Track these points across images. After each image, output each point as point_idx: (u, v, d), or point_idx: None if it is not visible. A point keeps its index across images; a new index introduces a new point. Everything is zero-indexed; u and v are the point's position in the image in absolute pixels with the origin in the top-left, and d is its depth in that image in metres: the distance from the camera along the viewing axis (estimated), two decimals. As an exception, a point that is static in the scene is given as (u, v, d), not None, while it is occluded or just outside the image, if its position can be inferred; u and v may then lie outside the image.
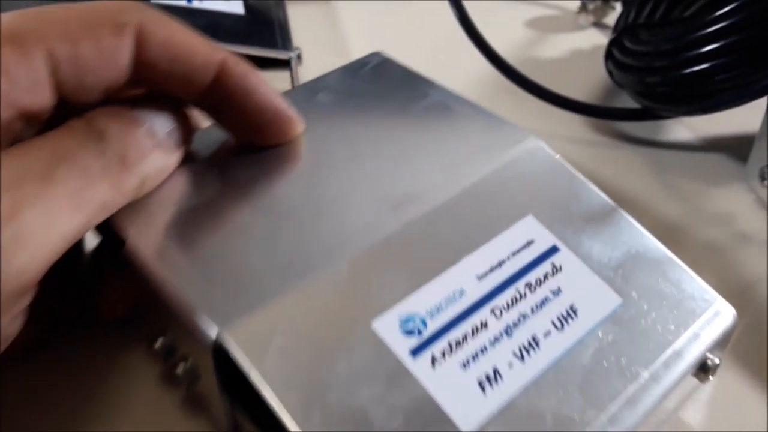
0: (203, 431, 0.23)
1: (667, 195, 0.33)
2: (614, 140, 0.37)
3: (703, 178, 0.34)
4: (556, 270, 0.22)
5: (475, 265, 0.22)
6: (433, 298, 0.21)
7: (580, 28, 0.46)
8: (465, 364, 0.20)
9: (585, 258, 0.22)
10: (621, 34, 0.36)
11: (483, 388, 0.19)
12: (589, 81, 0.40)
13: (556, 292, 0.21)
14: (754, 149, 0.33)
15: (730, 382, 0.25)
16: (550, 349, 0.20)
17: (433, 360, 0.20)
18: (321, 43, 0.43)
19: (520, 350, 0.20)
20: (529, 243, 0.23)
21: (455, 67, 0.40)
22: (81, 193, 0.18)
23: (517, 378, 0.20)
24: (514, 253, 0.22)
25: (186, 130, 0.22)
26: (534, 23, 0.47)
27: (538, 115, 0.37)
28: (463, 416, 0.19)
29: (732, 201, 0.33)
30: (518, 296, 0.21)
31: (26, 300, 0.19)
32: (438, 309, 0.21)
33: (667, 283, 0.22)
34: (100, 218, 0.19)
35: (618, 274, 0.22)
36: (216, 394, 0.21)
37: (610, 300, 0.22)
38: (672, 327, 0.21)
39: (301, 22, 0.43)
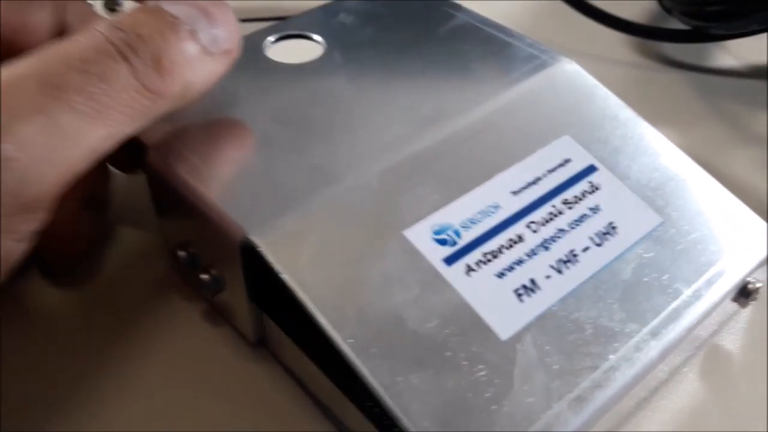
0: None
1: (711, 117, 0.33)
2: (660, 64, 0.36)
3: (748, 102, 0.34)
4: (594, 188, 0.22)
5: (511, 181, 0.21)
6: (467, 211, 0.21)
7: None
8: (501, 275, 0.19)
9: (623, 178, 0.22)
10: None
11: (520, 297, 0.19)
12: (636, 6, 0.39)
13: (595, 210, 0.21)
14: None
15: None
16: (589, 264, 0.20)
17: (468, 268, 0.19)
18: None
19: (558, 263, 0.20)
20: (566, 161, 0.22)
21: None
22: (101, 101, 0.17)
23: (555, 289, 0.19)
24: (550, 171, 0.22)
25: (234, 35, 0.20)
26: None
27: (583, 36, 0.36)
28: (500, 322, 0.19)
29: None
30: (555, 212, 0.21)
31: (33, 223, 0.17)
32: (472, 221, 0.20)
33: (707, 204, 0.22)
34: (132, 128, 0.18)
35: (657, 195, 0.22)
36: (243, 301, 0.20)
37: (650, 219, 0.21)
38: (713, 248, 0.21)
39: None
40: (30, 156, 0.15)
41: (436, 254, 0.19)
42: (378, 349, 0.17)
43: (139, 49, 0.17)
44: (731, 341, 0.23)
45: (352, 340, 0.17)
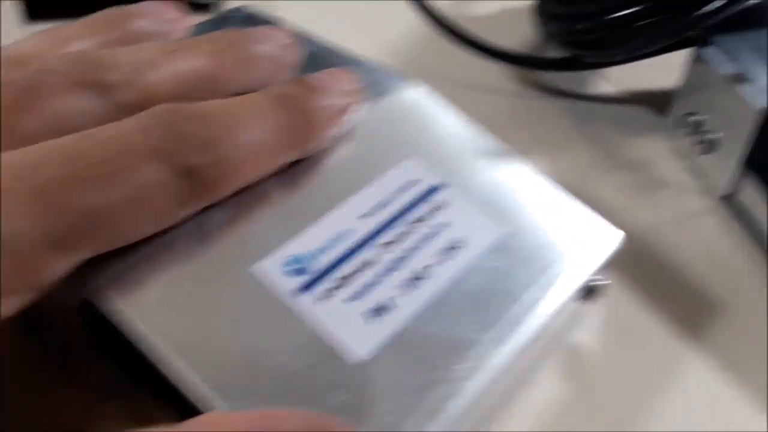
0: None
1: (584, 143, 0.34)
2: (538, 92, 0.37)
3: (621, 128, 0.35)
4: (441, 206, 0.22)
5: (358, 207, 0.22)
6: (315, 241, 0.21)
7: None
8: (352, 299, 0.20)
9: (470, 193, 0.23)
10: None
11: (372, 319, 0.19)
12: (519, 35, 0.40)
13: (442, 227, 0.22)
14: (675, 98, 0.35)
15: (626, 305, 0.26)
16: (438, 279, 0.21)
17: (318, 297, 0.20)
18: None
19: (409, 282, 0.20)
20: (413, 182, 0.23)
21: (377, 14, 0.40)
22: None
23: (406, 307, 0.20)
24: (397, 193, 0.22)
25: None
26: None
27: (463, 66, 0.37)
28: (352, 346, 0.19)
29: (649, 150, 0.34)
30: (404, 232, 0.22)
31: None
32: (321, 250, 0.21)
33: (552, 212, 0.23)
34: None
35: (503, 207, 0.23)
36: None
37: (496, 230, 0.22)
38: (556, 252, 0.22)
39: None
40: None
41: (285, 287, 0.20)
42: (235, 389, 0.18)
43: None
44: (589, 339, 0.25)
45: (206, 385, 0.17)
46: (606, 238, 0.23)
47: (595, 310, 0.25)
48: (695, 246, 0.30)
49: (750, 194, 0.30)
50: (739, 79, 0.30)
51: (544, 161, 0.25)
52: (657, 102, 0.36)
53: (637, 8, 0.32)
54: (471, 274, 0.21)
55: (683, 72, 0.34)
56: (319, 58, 0.26)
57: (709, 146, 0.32)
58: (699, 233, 0.30)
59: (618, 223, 0.23)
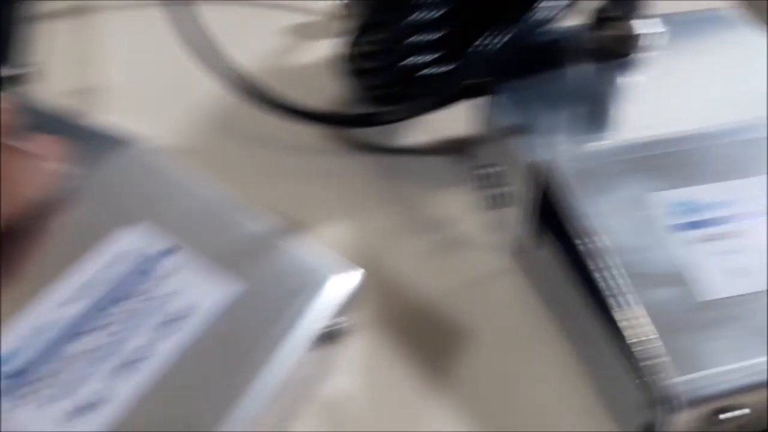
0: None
1: (390, 201, 0.34)
2: (350, 149, 0.37)
3: (430, 181, 0.35)
4: (172, 271, 0.21)
5: (58, 293, 0.20)
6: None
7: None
8: (51, 402, 0.18)
9: (204, 254, 0.22)
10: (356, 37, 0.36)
11: (74, 420, 0.18)
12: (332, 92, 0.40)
13: (166, 297, 0.21)
14: (472, 150, 0.34)
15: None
16: (164, 355, 0.20)
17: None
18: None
19: (127, 366, 0.19)
20: (131, 253, 0.22)
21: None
22: None
23: (125, 394, 0.19)
24: (108, 268, 0.21)
25: None
26: (288, 30, 0.46)
27: (274, 125, 0.36)
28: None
29: (454, 205, 0.34)
30: (114, 312, 0.20)
31: None
32: (15, 352, 0.19)
33: (292, 260, 0.23)
34: None
35: (243, 262, 0.22)
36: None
37: (229, 290, 0.21)
38: (294, 300, 0.21)
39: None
40: None
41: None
42: None
43: None
44: (346, 383, 0.25)
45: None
46: (344, 280, 0.23)
47: (346, 353, 0.24)
48: (486, 308, 0.30)
49: (545, 252, 0.29)
50: (517, 130, 0.30)
51: (348, 222, 0.24)
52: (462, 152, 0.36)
53: (420, 57, 0.32)
54: (201, 344, 0.20)
55: (475, 122, 0.33)
56: (43, 125, 0.24)
57: (502, 200, 0.31)
58: (490, 294, 0.30)
59: (415, 285, 0.22)
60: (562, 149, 0.28)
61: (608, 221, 0.25)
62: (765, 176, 0.26)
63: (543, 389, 0.27)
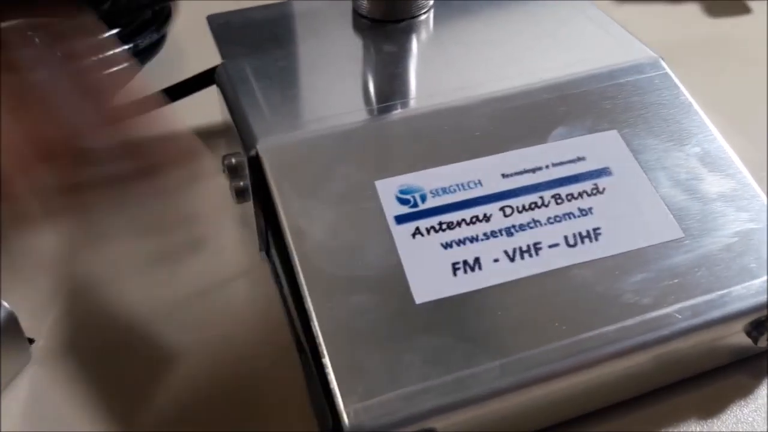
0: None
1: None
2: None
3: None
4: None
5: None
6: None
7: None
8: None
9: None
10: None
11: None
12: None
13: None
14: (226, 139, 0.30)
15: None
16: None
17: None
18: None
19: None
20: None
21: None
22: None
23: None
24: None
25: None
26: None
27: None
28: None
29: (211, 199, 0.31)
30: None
31: None
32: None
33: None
34: None
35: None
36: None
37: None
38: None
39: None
40: None
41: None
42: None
43: None
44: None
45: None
46: None
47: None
48: (230, 310, 0.28)
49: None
50: (237, 113, 0.25)
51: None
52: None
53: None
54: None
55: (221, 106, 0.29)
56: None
57: (244, 195, 0.27)
58: (236, 296, 0.28)
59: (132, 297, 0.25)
60: (275, 135, 0.24)
61: (314, 219, 0.21)
62: (508, 153, 0.22)
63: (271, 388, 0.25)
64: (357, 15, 0.28)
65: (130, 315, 0.26)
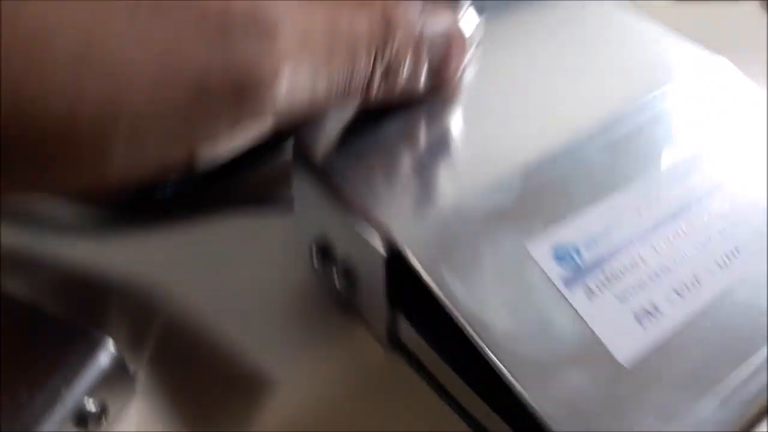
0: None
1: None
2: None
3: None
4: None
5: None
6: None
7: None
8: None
9: None
10: None
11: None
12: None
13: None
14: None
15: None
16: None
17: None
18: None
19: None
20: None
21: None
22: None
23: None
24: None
25: None
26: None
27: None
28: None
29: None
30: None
31: (254, 129, 0.18)
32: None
33: None
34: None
35: None
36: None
37: None
38: None
39: None
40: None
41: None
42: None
43: None
44: None
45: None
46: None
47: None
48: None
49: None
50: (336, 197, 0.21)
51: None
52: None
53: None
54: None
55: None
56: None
57: (354, 288, 0.23)
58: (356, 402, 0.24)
59: None
60: (409, 221, 0.20)
61: (486, 304, 0.19)
62: (641, 181, 0.21)
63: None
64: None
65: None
